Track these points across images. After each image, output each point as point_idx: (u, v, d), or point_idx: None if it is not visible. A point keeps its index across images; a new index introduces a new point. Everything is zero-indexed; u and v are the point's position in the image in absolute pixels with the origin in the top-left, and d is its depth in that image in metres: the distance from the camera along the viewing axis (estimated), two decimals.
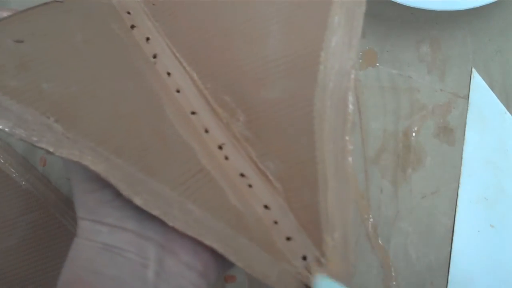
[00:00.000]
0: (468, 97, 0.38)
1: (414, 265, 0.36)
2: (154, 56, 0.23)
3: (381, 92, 0.38)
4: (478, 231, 0.36)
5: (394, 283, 0.36)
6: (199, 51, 0.23)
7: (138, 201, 0.19)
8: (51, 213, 0.36)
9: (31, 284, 0.36)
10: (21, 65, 0.19)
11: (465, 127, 0.37)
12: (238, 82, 0.22)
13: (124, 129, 0.20)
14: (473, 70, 0.38)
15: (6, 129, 0.18)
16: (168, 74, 0.23)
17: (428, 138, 0.38)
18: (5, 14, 0.21)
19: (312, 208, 0.20)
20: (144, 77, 0.22)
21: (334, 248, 0.20)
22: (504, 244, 0.36)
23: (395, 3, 0.35)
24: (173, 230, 0.19)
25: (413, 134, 0.38)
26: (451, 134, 0.38)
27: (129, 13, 0.23)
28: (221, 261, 0.21)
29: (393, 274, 0.36)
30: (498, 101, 0.38)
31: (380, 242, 0.36)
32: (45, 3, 0.21)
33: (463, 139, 0.37)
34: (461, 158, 0.38)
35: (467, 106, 0.38)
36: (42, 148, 0.18)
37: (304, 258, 0.20)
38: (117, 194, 0.19)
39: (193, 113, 0.22)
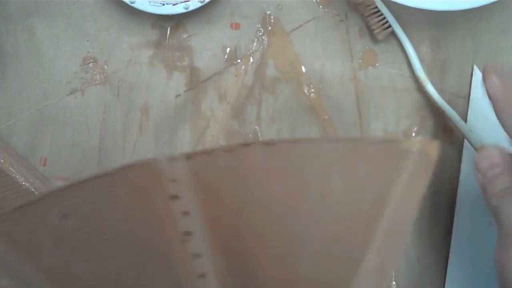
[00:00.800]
0: (469, 97, 0.38)
1: (414, 265, 0.36)
2: (187, 234, 0.21)
3: (381, 92, 0.38)
4: (477, 229, 0.36)
5: (394, 283, 0.36)
6: (231, 242, 0.21)
7: None
8: None
9: None
10: (59, 243, 0.18)
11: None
12: None
13: None
14: (475, 67, 0.38)
15: None
16: (196, 255, 0.21)
17: (428, 138, 0.38)
18: (60, 183, 0.19)
19: None
20: (171, 258, 0.21)
21: None
22: None
23: (395, 3, 0.35)
24: None
25: (413, 134, 0.38)
26: (451, 134, 0.38)
27: (173, 181, 0.21)
28: None
29: (393, 274, 0.36)
30: None
31: None
32: (96, 176, 0.20)
33: (463, 138, 0.37)
34: (461, 158, 0.38)
35: (467, 106, 0.38)
36: None
37: None
38: None
39: None
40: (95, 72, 0.38)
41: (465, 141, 0.37)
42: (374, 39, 0.38)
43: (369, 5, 0.37)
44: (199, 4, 0.36)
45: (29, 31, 0.38)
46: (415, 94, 0.38)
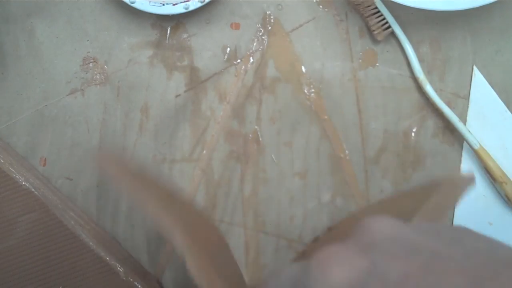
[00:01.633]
0: (469, 96, 0.38)
1: None
2: None
3: (381, 92, 0.38)
4: (477, 229, 0.36)
5: None
6: None
7: None
8: (51, 213, 0.36)
9: (31, 284, 0.36)
10: None
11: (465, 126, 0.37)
12: None
13: None
14: (475, 68, 0.38)
15: None
16: None
17: (428, 138, 0.38)
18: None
19: None
20: None
21: None
22: (503, 241, 0.36)
23: (395, 3, 0.35)
24: None
25: (413, 134, 0.38)
26: (451, 134, 0.38)
27: None
28: None
29: None
30: (499, 99, 0.38)
31: None
32: None
33: (463, 139, 0.37)
34: (461, 158, 0.38)
35: (467, 106, 0.38)
36: None
37: None
38: None
39: None
40: (95, 72, 0.38)
41: (465, 139, 0.37)
42: (374, 39, 0.38)
43: (369, 6, 0.37)
44: (199, 4, 0.36)
45: (29, 31, 0.38)
46: (415, 94, 0.38)
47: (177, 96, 0.38)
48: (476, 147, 0.36)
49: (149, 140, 0.38)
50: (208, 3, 0.37)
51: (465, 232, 0.15)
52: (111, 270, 0.36)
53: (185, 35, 0.38)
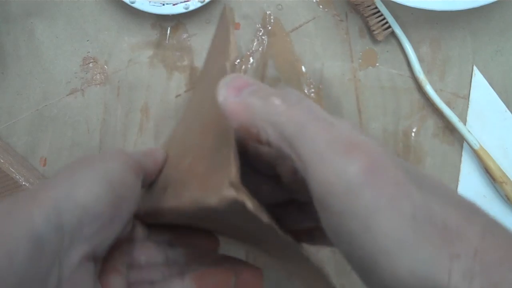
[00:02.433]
0: (468, 96, 0.38)
1: None
2: None
3: (381, 92, 0.38)
4: None
5: None
6: None
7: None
8: None
9: None
10: None
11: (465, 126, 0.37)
12: None
13: None
14: (474, 68, 0.38)
15: None
16: None
17: (428, 138, 0.38)
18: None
19: None
20: None
21: None
22: None
23: (395, 3, 0.35)
24: None
25: (413, 134, 0.38)
26: (451, 134, 0.38)
27: None
28: None
29: None
30: (498, 99, 0.38)
31: None
32: None
33: (463, 139, 0.37)
34: (461, 157, 0.38)
35: (467, 106, 0.38)
36: None
37: None
38: None
39: None
40: (95, 72, 0.38)
41: (465, 138, 0.37)
42: (374, 39, 0.38)
43: (369, 6, 0.37)
44: (199, 4, 0.36)
45: (29, 31, 0.38)
46: (415, 94, 0.38)
47: (177, 96, 0.38)
48: (476, 147, 0.36)
49: (149, 140, 0.38)
50: (208, 3, 0.37)
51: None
52: None
53: (185, 35, 0.38)
